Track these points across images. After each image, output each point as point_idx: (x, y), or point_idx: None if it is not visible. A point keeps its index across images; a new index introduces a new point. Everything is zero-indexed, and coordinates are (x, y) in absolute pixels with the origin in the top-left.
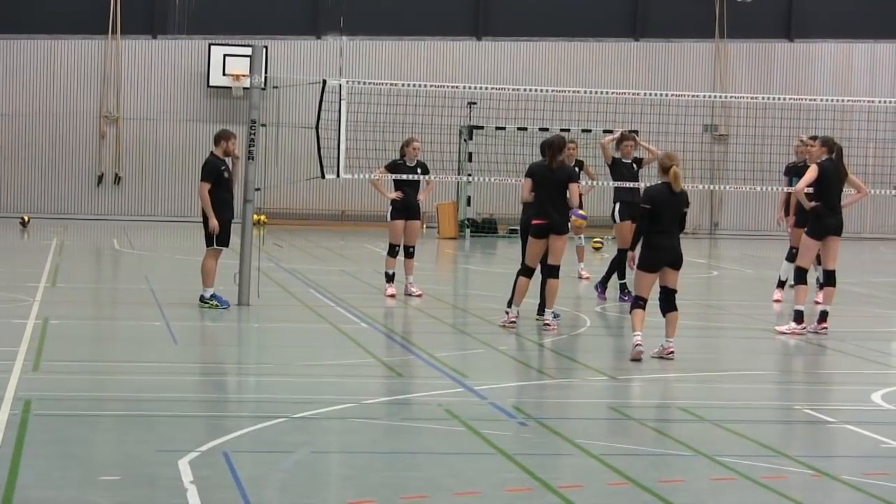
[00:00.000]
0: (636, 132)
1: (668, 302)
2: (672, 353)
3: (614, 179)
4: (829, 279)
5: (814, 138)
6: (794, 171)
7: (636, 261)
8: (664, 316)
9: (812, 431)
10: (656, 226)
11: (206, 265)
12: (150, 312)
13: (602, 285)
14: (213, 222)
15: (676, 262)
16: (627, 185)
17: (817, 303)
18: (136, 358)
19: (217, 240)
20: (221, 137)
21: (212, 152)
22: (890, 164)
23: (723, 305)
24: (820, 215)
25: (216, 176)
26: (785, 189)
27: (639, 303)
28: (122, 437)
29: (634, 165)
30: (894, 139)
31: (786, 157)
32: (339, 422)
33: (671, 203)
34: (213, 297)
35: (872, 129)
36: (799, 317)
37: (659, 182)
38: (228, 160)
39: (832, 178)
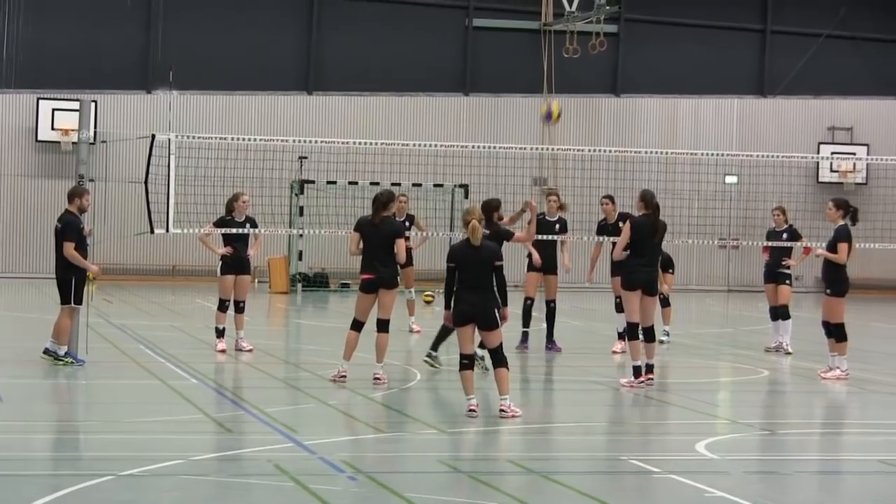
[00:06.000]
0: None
1: (493, 359)
2: (503, 410)
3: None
4: (646, 336)
5: None
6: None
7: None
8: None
9: (637, 482)
10: (462, 282)
11: (63, 323)
12: None
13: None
14: (94, 267)
15: (482, 321)
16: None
17: None
18: None
19: (74, 298)
20: (75, 195)
21: (67, 210)
22: (713, 215)
23: (551, 357)
24: (631, 269)
25: (79, 234)
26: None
27: (463, 362)
28: None
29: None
30: (717, 191)
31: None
32: (168, 479)
33: (473, 258)
34: (66, 354)
35: (696, 182)
36: (637, 372)
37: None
38: (83, 216)
39: (645, 233)
